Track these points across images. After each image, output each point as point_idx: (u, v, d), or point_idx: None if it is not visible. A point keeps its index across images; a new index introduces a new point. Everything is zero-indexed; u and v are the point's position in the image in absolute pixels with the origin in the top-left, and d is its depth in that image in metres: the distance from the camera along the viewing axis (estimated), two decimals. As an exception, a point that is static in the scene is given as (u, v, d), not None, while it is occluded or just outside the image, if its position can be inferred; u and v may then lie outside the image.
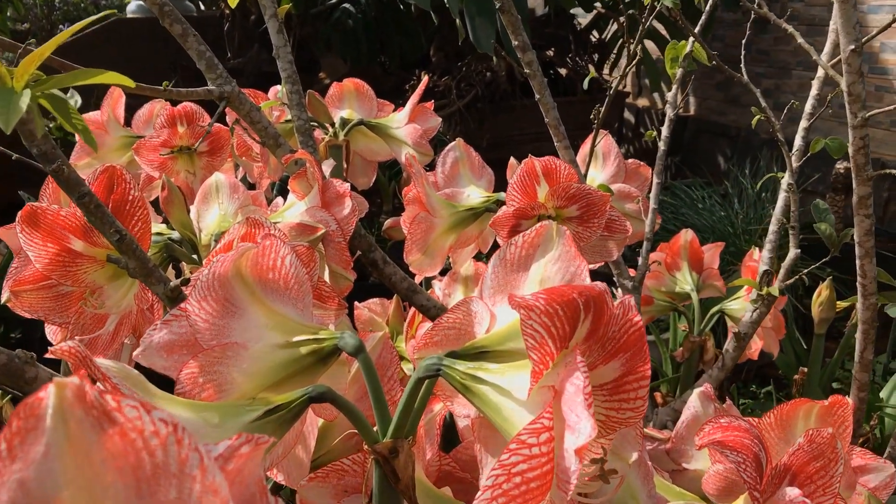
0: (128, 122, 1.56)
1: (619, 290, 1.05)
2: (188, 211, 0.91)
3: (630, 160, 1.21)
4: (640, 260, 1.08)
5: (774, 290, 0.90)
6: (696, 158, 3.63)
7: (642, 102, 4.48)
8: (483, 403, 0.46)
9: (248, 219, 0.80)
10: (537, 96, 0.98)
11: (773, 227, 0.97)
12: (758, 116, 0.93)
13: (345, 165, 1.50)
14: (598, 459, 0.45)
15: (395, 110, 1.49)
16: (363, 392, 0.68)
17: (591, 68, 3.93)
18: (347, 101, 1.50)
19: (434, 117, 1.46)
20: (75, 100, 2.28)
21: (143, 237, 0.75)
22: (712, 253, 1.48)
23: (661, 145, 1.08)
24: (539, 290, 0.43)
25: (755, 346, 1.32)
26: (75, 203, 0.62)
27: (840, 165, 2.51)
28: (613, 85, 1.06)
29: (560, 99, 3.78)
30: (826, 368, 1.63)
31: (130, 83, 0.44)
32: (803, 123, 0.99)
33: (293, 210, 0.89)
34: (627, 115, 4.50)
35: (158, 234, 0.95)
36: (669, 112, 1.06)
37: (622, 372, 0.47)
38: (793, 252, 0.94)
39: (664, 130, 1.08)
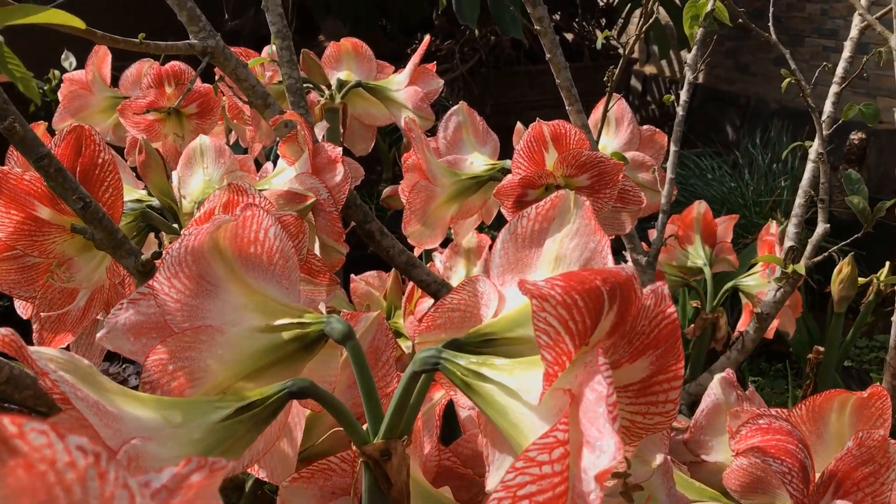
0: (115, 83, 1.49)
1: (631, 264, 0.99)
2: (168, 176, 0.84)
3: (644, 126, 1.13)
4: (655, 233, 1.01)
5: (801, 267, 0.84)
6: (704, 127, 3.54)
7: (650, 70, 4.38)
8: (487, 405, 0.40)
9: (231, 185, 0.73)
10: (548, 55, 0.91)
11: (799, 200, 0.90)
12: (787, 80, 0.86)
13: (342, 130, 1.43)
14: (621, 473, 0.39)
15: (395, 72, 1.42)
16: (352, 381, 0.62)
17: (598, 33, 3.82)
18: (345, 61, 1.42)
19: (436, 79, 1.38)
20: (70, 61, 2.20)
21: (113, 205, 0.68)
22: (726, 226, 1.41)
23: (679, 111, 1.00)
24: (555, 276, 0.37)
25: (771, 325, 1.25)
26: (32, 166, 0.55)
27: (854, 136, 2.43)
28: (627, 46, 0.99)
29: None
30: (840, 347, 1.57)
31: (80, 23, 0.38)
32: (834, 88, 0.92)
33: (281, 176, 0.83)
34: (634, 82, 4.40)
35: (138, 200, 0.89)
36: (689, 75, 0.99)
37: (651, 371, 0.40)
38: (821, 227, 0.88)
39: (682, 95, 1.01)
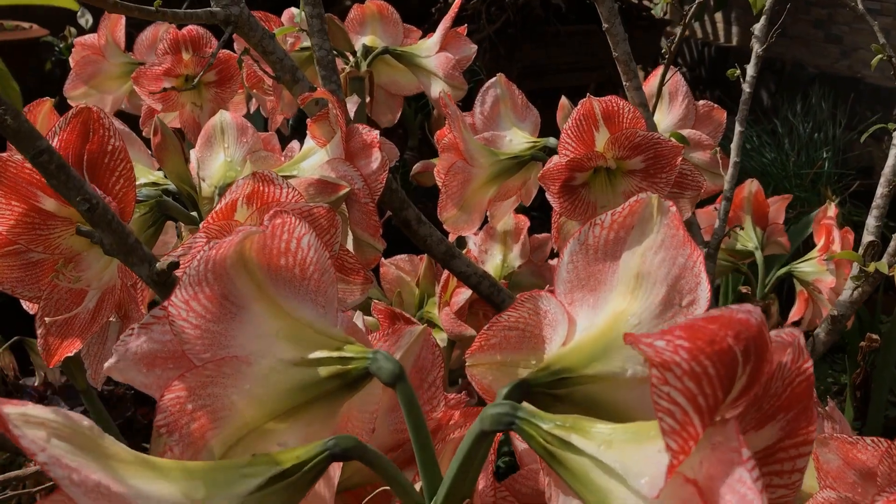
0: (130, 47, 1.41)
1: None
2: (186, 159, 0.77)
3: (701, 102, 1.05)
4: (716, 223, 0.93)
5: (883, 266, 0.76)
6: (736, 92, 3.40)
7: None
8: (578, 483, 0.32)
9: (256, 174, 0.66)
10: (605, 24, 0.82)
11: (882, 190, 0.81)
12: (878, 56, 0.77)
13: (367, 100, 1.35)
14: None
15: (423, 37, 1.33)
16: (395, 403, 0.54)
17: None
18: (370, 25, 1.33)
19: (469, 45, 1.29)
20: (86, 19, 2.11)
21: (125, 197, 0.60)
22: (778, 206, 1.32)
23: (746, 87, 0.91)
24: (675, 329, 0.29)
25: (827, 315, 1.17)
26: (30, 163, 0.47)
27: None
28: (690, 12, 0.90)
29: (592, 26, 3.55)
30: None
31: (74, 5, 0.30)
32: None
33: (311, 161, 0.75)
34: (663, 44, 4.25)
35: (153, 184, 0.81)
36: (757, 47, 0.89)
37: (779, 437, 0.33)
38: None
39: (749, 70, 0.92)
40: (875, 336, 1.33)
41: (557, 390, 0.41)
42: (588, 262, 0.46)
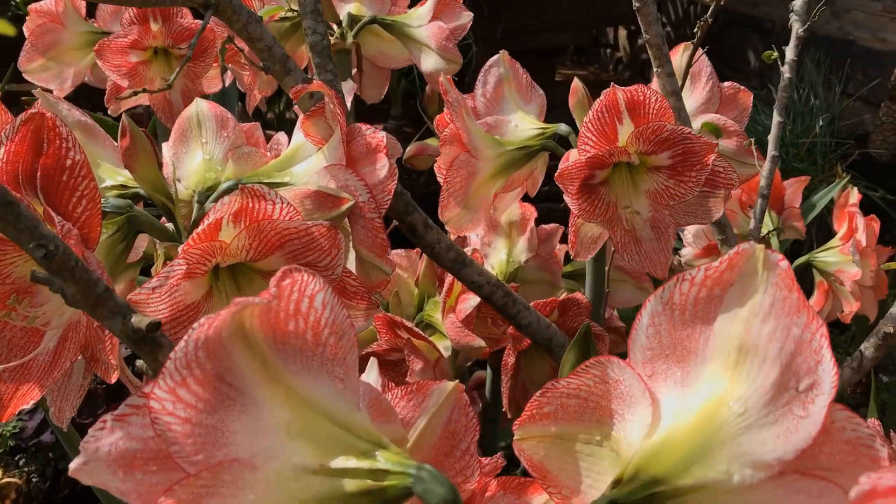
0: (92, 14, 1.29)
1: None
2: (160, 164, 0.66)
3: (726, 83, 0.95)
4: (752, 222, 0.84)
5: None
6: (724, 55, 3.31)
7: (665, -11, 4.10)
8: None
9: (244, 188, 0.56)
10: (636, 4, 0.72)
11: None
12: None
13: (353, 73, 1.24)
14: None
15: (412, 4, 1.22)
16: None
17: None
18: (355, -9, 1.22)
19: (464, 12, 1.19)
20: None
21: (88, 223, 0.50)
22: (794, 189, 1.24)
23: (786, 72, 0.82)
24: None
25: (849, 309, 1.10)
26: (-34, 201, 0.37)
27: (900, 70, 2.24)
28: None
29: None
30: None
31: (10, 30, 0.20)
32: None
33: (305, 165, 0.65)
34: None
35: (122, 186, 0.71)
36: (797, 27, 0.80)
37: None
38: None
39: (788, 53, 0.82)
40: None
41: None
42: (673, 325, 0.38)
